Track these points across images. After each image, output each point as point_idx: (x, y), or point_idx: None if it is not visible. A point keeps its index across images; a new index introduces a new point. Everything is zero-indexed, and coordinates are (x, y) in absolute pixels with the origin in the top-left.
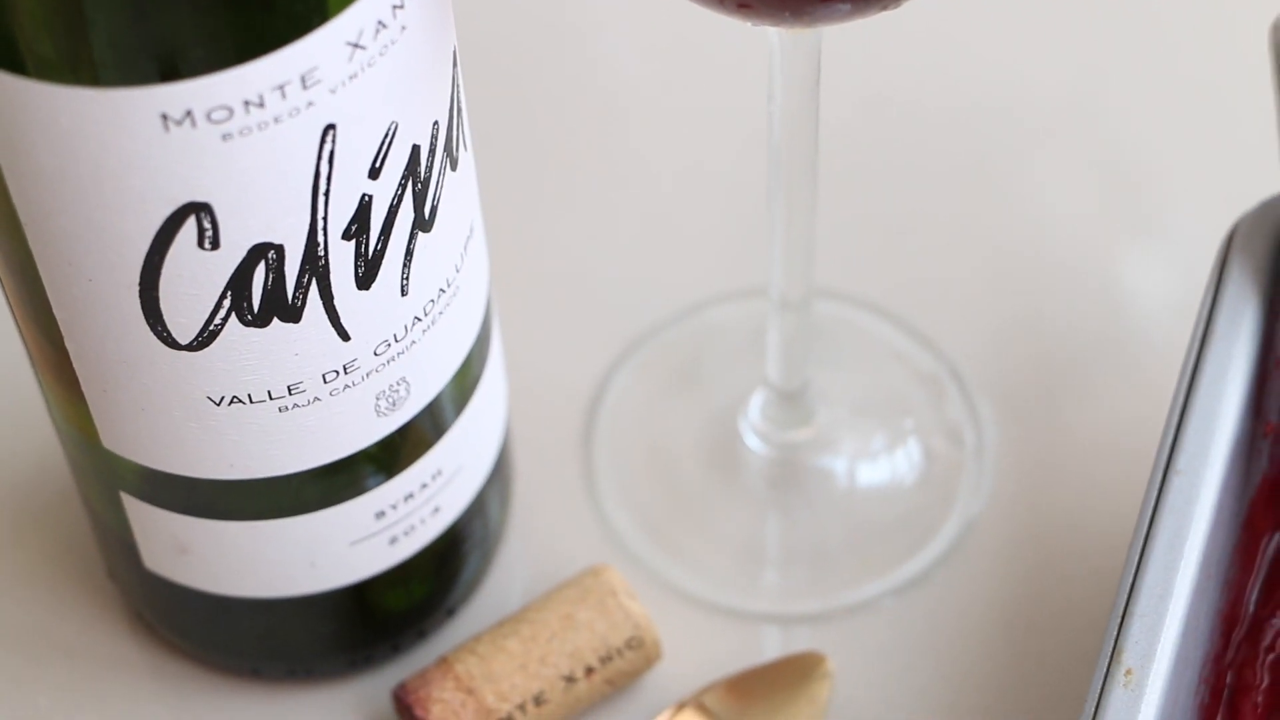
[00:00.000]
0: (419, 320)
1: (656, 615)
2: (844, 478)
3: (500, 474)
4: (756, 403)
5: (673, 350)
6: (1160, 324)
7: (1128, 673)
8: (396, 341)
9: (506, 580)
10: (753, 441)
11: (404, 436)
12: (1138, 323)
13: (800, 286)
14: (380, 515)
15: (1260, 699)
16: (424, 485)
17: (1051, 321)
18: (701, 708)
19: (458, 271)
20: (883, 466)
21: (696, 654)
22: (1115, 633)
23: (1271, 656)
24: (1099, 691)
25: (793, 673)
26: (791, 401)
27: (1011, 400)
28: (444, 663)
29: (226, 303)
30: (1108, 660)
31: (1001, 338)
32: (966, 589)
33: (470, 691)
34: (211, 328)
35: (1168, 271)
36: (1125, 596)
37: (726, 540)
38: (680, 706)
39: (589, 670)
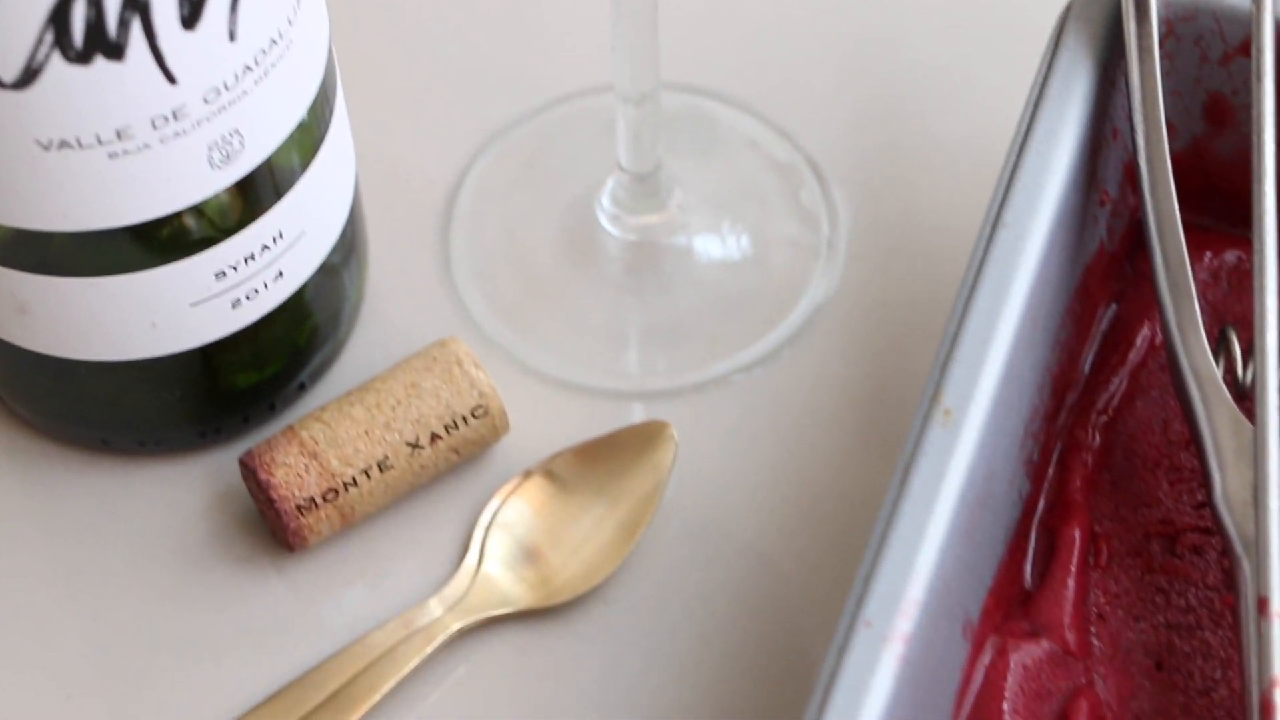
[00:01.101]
0: (250, 70)
1: (509, 393)
2: (698, 261)
3: (352, 252)
4: (610, 187)
5: (531, 141)
6: (1010, 111)
7: (946, 413)
8: (227, 90)
9: (360, 359)
10: (608, 225)
11: (240, 194)
12: (989, 112)
13: (646, 80)
14: (220, 276)
15: (1090, 459)
16: (265, 248)
17: (906, 112)
18: (548, 474)
19: (290, 24)
20: (736, 250)
21: (546, 429)
22: (938, 375)
23: (1104, 419)
24: (918, 431)
25: (638, 440)
26: (643, 185)
27: (865, 189)
28: (290, 430)
29: (49, 37)
30: (928, 402)
31: (857, 129)
32: (814, 368)
33: (314, 456)
34: (34, 64)
35: (1017, 57)
36: (949, 342)
37: (580, 320)
38: (527, 474)
39: (434, 437)
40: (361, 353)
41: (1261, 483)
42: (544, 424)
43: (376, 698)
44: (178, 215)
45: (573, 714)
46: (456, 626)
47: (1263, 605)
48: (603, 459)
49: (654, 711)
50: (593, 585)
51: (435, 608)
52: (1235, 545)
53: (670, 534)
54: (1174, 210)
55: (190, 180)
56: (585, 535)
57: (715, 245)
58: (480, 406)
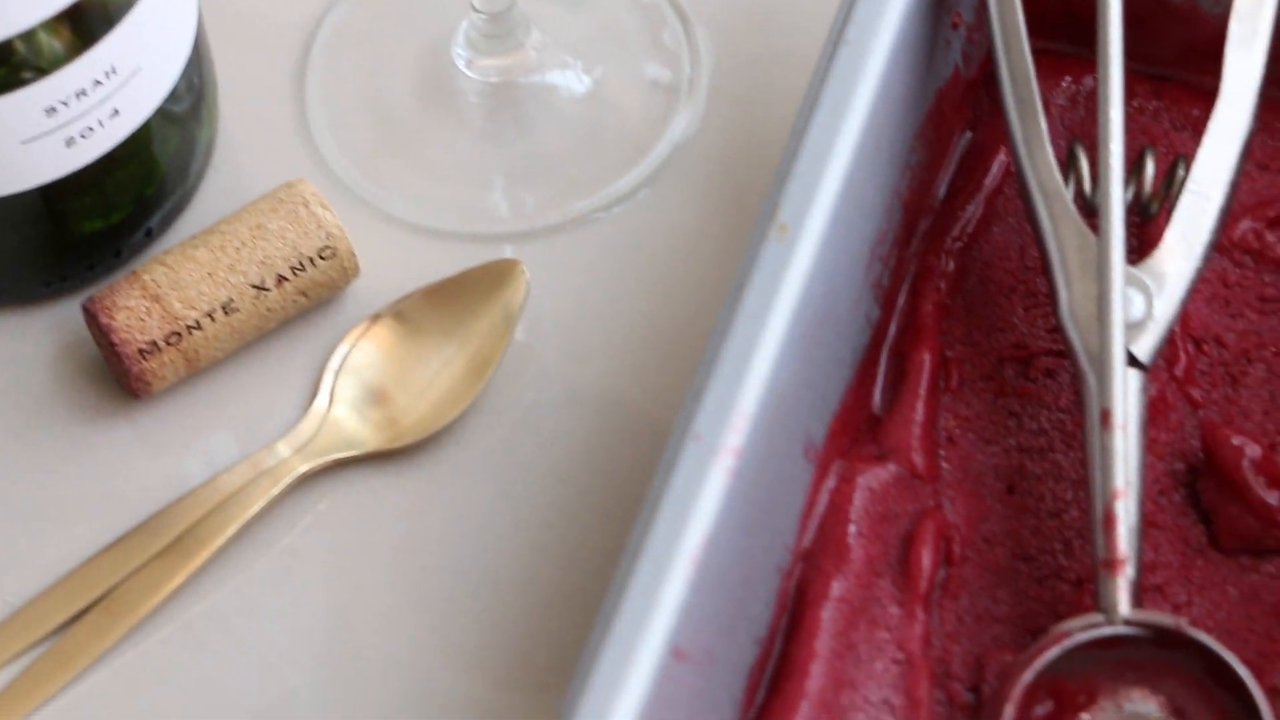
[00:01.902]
0: None
1: (365, 238)
2: (557, 102)
3: (200, 98)
4: (464, 29)
5: None
6: None
7: (782, 228)
8: None
9: (212, 207)
10: (464, 68)
11: (69, 24)
12: None
13: None
14: (51, 112)
15: (944, 284)
16: (97, 83)
17: None
18: (397, 316)
19: None
20: (596, 91)
21: (401, 273)
22: (775, 192)
23: (959, 245)
24: (754, 247)
25: (488, 279)
26: (497, 25)
27: (728, 29)
28: (133, 274)
29: None
30: (765, 219)
31: None
32: (674, 207)
33: (156, 299)
34: None
35: None
36: (788, 159)
37: (436, 163)
38: (376, 317)
39: (280, 279)
40: (213, 200)
41: (1105, 295)
42: (399, 268)
43: (222, 540)
44: (3, 47)
45: (425, 554)
46: (304, 468)
47: (1105, 418)
48: (452, 300)
49: (506, 551)
50: (441, 426)
51: (283, 450)
52: (1081, 360)
53: (523, 373)
54: (1019, 25)
55: (14, 7)
56: (434, 376)
57: (575, 86)
58: (328, 248)
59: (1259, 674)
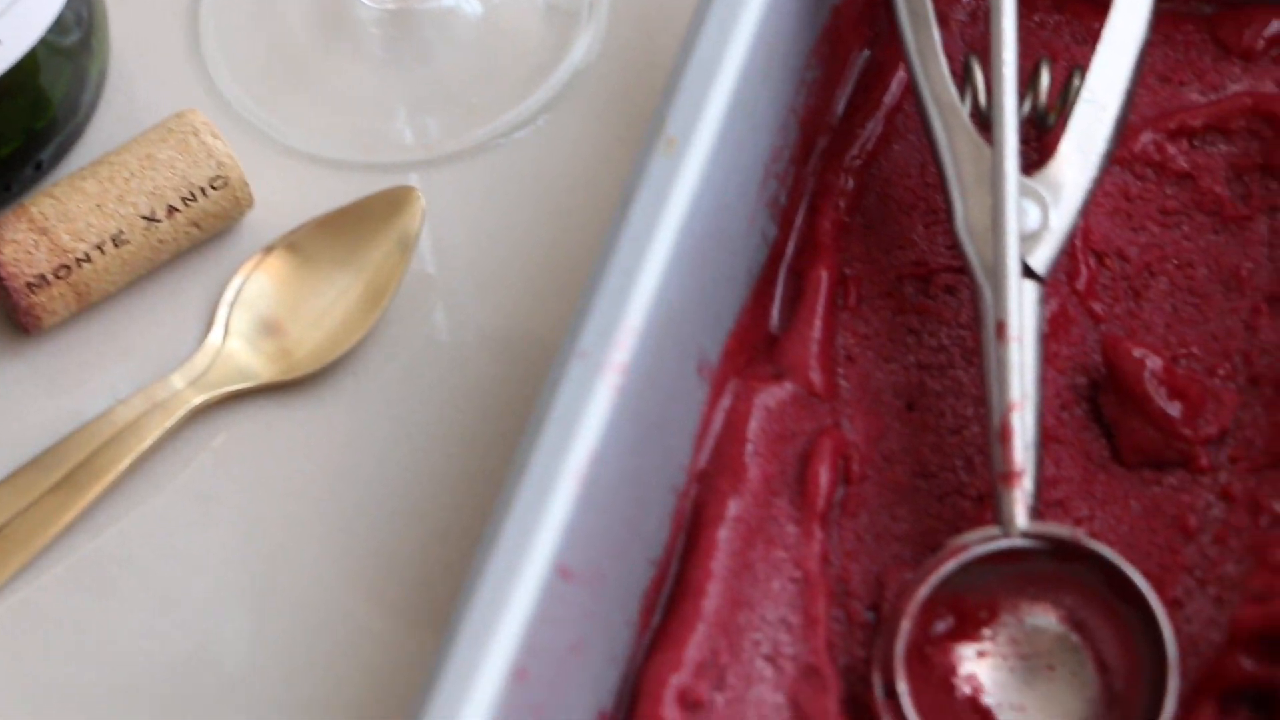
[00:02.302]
0: None
1: (261, 169)
2: (456, 28)
3: (89, 31)
4: None
5: None
6: None
7: (670, 142)
8: None
9: (104, 139)
10: None
11: None
12: None
13: None
14: None
15: (843, 202)
16: None
17: None
18: (291, 247)
19: None
20: (496, 16)
21: (297, 204)
22: (663, 106)
23: (858, 163)
24: (641, 160)
25: (383, 207)
26: None
27: None
28: (20, 207)
29: None
30: (652, 132)
31: None
32: (573, 132)
33: (44, 232)
34: None
35: None
36: (677, 72)
37: (333, 93)
38: (269, 249)
39: (171, 210)
40: (107, 133)
41: (999, 206)
42: (296, 199)
43: (116, 473)
44: None
45: (323, 486)
46: (198, 400)
47: (1000, 330)
48: (347, 229)
49: (404, 481)
50: (337, 356)
51: (177, 382)
52: (976, 273)
53: (423, 303)
54: None
55: None
56: (328, 306)
57: (473, 11)
58: (219, 177)
59: (1161, 587)
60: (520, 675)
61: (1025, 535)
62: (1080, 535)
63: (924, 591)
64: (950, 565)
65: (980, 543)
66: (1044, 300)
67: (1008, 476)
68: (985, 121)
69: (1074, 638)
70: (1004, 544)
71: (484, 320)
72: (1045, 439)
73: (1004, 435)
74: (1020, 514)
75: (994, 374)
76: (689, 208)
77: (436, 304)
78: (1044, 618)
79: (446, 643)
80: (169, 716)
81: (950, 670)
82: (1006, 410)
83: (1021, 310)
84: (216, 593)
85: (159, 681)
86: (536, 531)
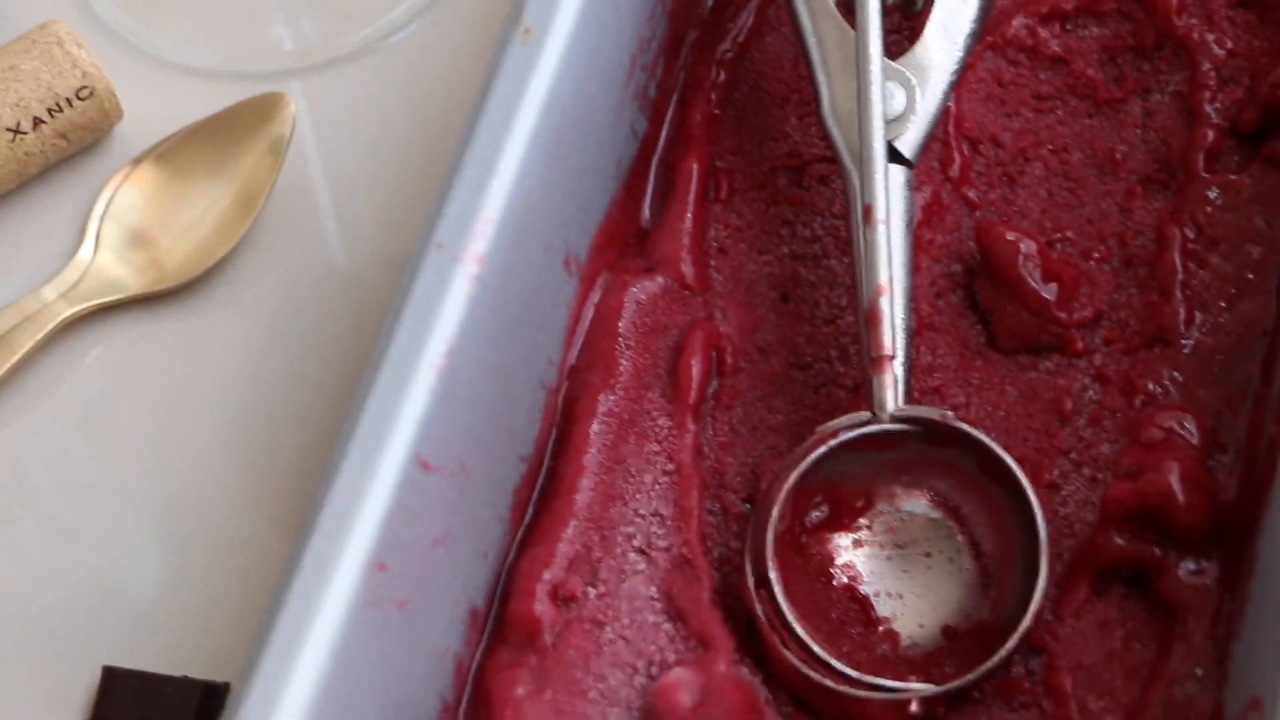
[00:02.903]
0: None
1: (131, 81)
2: None
3: None
4: None
5: None
6: None
7: (526, 32)
8: None
9: None
10: None
11: None
12: None
13: None
14: None
15: (714, 95)
16: None
17: None
18: (160, 157)
19: None
20: None
21: (169, 115)
22: None
23: (729, 55)
24: (498, 52)
25: (252, 114)
26: None
27: None
28: None
29: None
30: (509, 23)
31: None
32: (446, 39)
33: None
34: None
35: None
36: None
37: (205, 3)
38: (138, 160)
39: (37, 122)
40: None
41: (863, 90)
42: (169, 111)
43: None
44: None
45: (198, 396)
46: (69, 312)
47: (868, 213)
48: (217, 138)
49: (279, 388)
50: (208, 266)
51: (48, 294)
52: (843, 158)
53: (298, 211)
54: None
55: None
56: (199, 216)
57: None
58: (85, 88)
59: (1036, 470)
60: (380, 567)
61: (895, 419)
62: (950, 417)
63: (793, 478)
64: (820, 451)
65: (850, 428)
66: (914, 185)
67: (877, 361)
68: (851, 6)
69: (949, 524)
70: (874, 428)
71: (361, 226)
72: (921, 327)
73: (872, 319)
74: (890, 398)
75: (862, 258)
76: (547, 98)
77: (313, 212)
78: (919, 504)
79: (304, 534)
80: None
81: (827, 560)
82: (875, 294)
83: (889, 194)
84: (92, 504)
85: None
86: (393, 423)
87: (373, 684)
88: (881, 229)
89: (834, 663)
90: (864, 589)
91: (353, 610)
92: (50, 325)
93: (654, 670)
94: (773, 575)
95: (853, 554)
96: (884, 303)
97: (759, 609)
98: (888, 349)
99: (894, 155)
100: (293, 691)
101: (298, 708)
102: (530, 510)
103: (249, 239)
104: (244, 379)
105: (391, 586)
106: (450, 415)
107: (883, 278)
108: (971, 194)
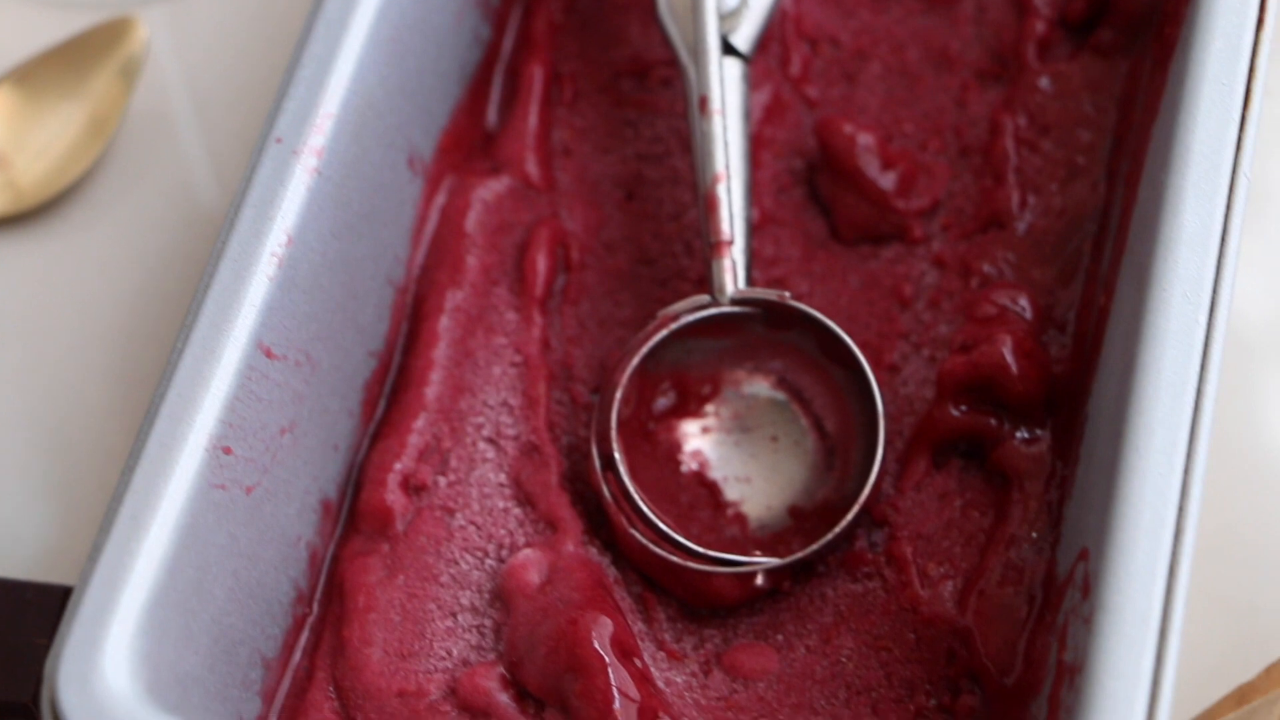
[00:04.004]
0: None
1: None
2: None
3: None
4: None
5: None
6: None
7: None
8: None
9: None
10: None
11: None
12: None
13: None
14: None
15: (557, 1)
16: None
17: None
18: (14, 81)
19: None
20: None
21: (22, 43)
22: None
23: None
24: None
25: (105, 38)
26: None
27: None
28: None
29: None
30: None
31: None
32: None
33: None
34: None
35: None
36: None
37: None
38: None
39: None
40: None
41: None
42: (25, 39)
43: None
44: None
45: (58, 316)
46: None
47: (703, 104)
48: (70, 62)
49: (138, 305)
50: (64, 186)
51: None
52: (681, 54)
53: (154, 133)
54: None
55: None
56: (52, 138)
57: None
58: None
59: (879, 354)
60: (225, 450)
61: (735, 301)
62: (787, 297)
63: (635, 361)
64: (662, 334)
65: (691, 311)
66: (750, 80)
67: (716, 246)
68: None
69: (793, 406)
70: (714, 311)
71: (218, 146)
72: (764, 221)
73: (710, 205)
74: (730, 281)
75: (699, 149)
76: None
77: (173, 135)
78: (763, 388)
79: (148, 420)
80: None
81: (675, 447)
82: (712, 182)
83: (724, 86)
84: None
85: None
86: (235, 308)
87: (221, 565)
88: (717, 119)
89: (679, 539)
90: (712, 474)
91: (198, 492)
92: None
93: (504, 554)
94: (618, 456)
95: (700, 440)
96: (721, 190)
97: (605, 490)
98: (726, 234)
99: (729, 49)
100: (139, 570)
101: (145, 585)
102: (382, 405)
103: (107, 162)
104: (103, 298)
105: (238, 470)
106: (292, 304)
107: (719, 166)
108: (812, 92)
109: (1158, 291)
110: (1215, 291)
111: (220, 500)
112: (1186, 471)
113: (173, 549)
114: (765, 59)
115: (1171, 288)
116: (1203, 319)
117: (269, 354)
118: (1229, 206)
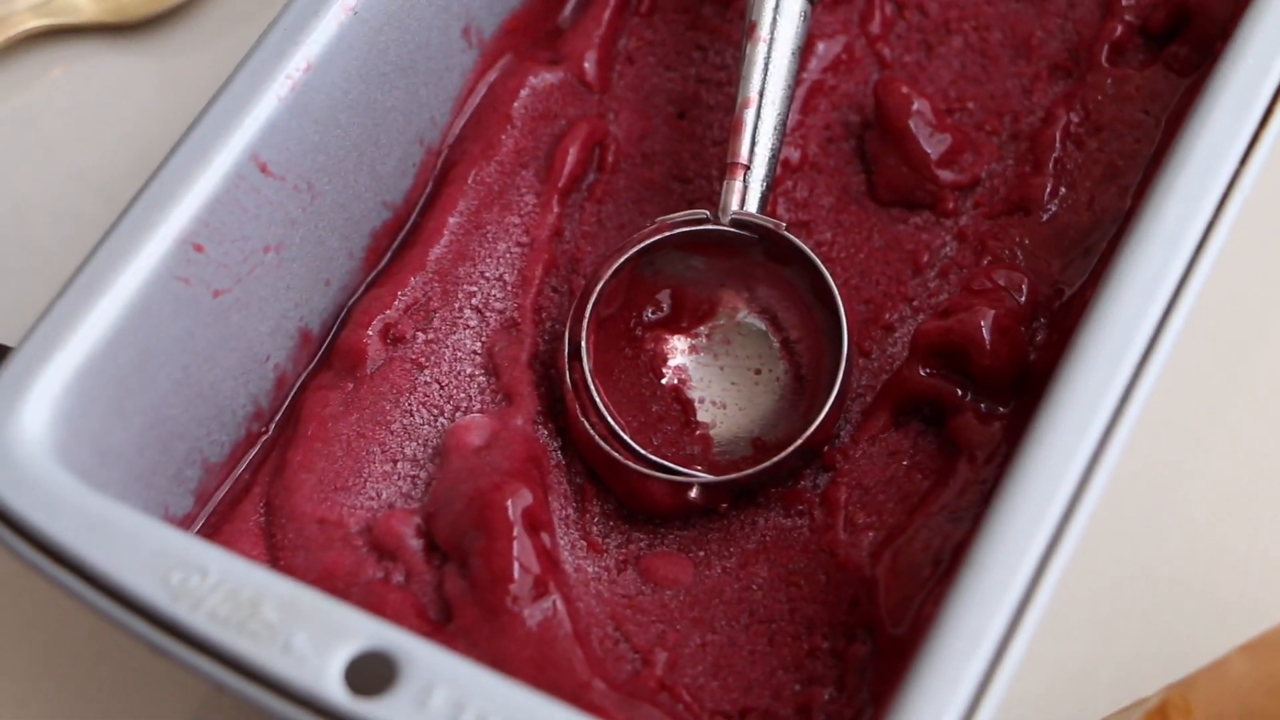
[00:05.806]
0: None
1: None
2: None
3: None
4: None
5: None
6: None
7: None
8: None
9: None
10: None
11: None
12: None
13: None
14: None
15: None
16: None
17: None
18: None
19: None
20: None
21: None
22: None
23: None
24: None
25: None
26: None
27: None
28: None
29: None
30: None
31: None
32: None
33: None
34: None
35: None
36: None
37: None
38: None
39: None
40: None
41: None
42: None
43: None
44: None
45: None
46: (34, 24)
47: (751, 29)
48: None
49: None
50: (167, 6)
51: (19, 4)
52: None
53: None
54: None
55: None
56: None
57: None
58: None
59: (878, 311)
60: (196, 247)
61: (733, 223)
62: (783, 227)
63: (621, 260)
64: (653, 239)
65: (687, 223)
66: (809, 18)
67: (731, 167)
68: None
69: (777, 341)
70: (710, 227)
71: None
72: (805, 165)
73: (735, 127)
74: (735, 203)
75: (742, 72)
76: None
77: None
78: (758, 322)
79: (127, 206)
80: None
81: (660, 359)
82: (742, 105)
83: (779, 17)
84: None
85: None
86: (236, 118)
87: (171, 357)
88: (761, 46)
89: (626, 437)
90: (690, 393)
91: (157, 278)
92: (16, 31)
93: (458, 415)
94: (584, 346)
95: (687, 359)
96: (748, 114)
97: (567, 376)
98: (742, 157)
99: None
100: (80, 334)
101: (81, 350)
102: (387, 258)
103: None
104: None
105: (207, 270)
106: (300, 129)
107: (752, 90)
108: (886, 52)
109: (1116, 279)
110: (1177, 294)
111: (181, 293)
112: (1093, 461)
113: (119, 323)
114: (849, 11)
115: (1132, 281)
116: (1154, 315)
117: (264, 169)
118: (1216, 215)
